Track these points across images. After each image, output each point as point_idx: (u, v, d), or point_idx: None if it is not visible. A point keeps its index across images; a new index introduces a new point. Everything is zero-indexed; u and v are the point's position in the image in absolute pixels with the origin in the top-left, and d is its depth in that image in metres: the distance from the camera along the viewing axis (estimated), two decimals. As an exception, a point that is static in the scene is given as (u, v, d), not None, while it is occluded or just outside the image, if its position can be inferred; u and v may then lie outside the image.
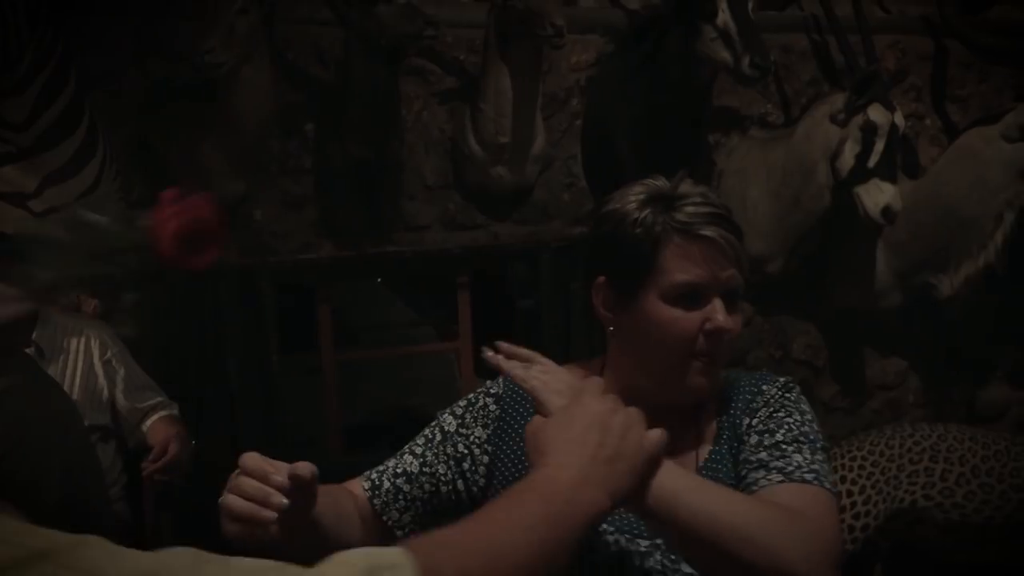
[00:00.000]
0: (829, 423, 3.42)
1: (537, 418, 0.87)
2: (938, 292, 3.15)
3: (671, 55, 2.73)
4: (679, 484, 0.89)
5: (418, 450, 1.17)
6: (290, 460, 0.91)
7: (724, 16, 2.56)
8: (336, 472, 1.14)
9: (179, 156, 2.60)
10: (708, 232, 1.02)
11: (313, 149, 2.77)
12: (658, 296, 1.04)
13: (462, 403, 1.20)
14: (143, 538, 2.23)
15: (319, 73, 2.73)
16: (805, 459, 1.00)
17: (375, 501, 1.12)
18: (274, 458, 0.93)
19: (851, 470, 2.88)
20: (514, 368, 0.97)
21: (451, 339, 3.20)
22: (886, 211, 2.76)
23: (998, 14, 3.53)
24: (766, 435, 1.05)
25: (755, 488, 0.98)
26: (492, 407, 1.18)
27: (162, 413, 2.35)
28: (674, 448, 1.07)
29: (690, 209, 1.04)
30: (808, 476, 0.98)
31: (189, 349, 2.75)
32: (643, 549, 1.05)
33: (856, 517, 2.83)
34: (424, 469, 1.14)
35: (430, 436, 1.18)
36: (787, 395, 1.10)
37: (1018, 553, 3.09)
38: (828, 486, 0.99)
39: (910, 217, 2.99)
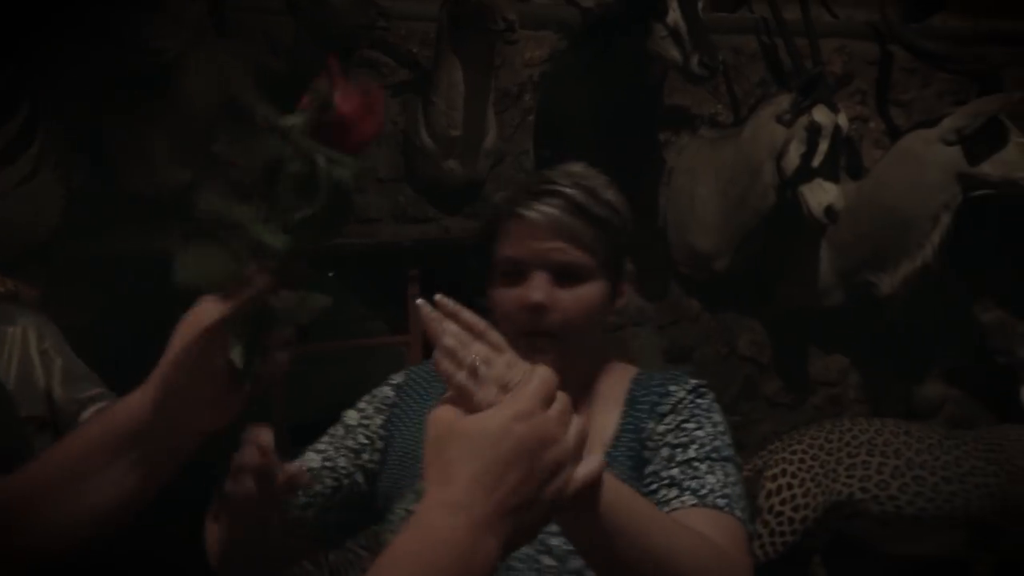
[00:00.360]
0: (772, 418, 3.50)
1: (449, 410, 0.66)
2: (878, 291, 3.24)
3: (622, 52, 2.76)
4: (611, 495, 0.78)
5: (320, 447, 1.17)
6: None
7: (674, 15, 2.60)
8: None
9: (123, 145, 2.55)
10: (526, 210, 1.03)
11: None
12: (495, 278, 1.07)
13: (366, 397, 1.21)
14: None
15: (270, 62, 2.69)
16: (718, 480, 0.99)
17: None
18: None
19: (791, 463, 2.95)
20: (445, 336, 0.70)
21: (401, 333, 3.18)
22: (829, 210, 2.83)
23: (940, 21, 3.64)
24: (678, 450, 1.02)
25: (666, 508, 0.96)
26: (390, 394, 1.19)
27: (101, 404, 2.30)
28: None
29: (529, 191, 1.06)
30: (721, 502, 0.96)
31: (131, 341, 2.69)
32: None
33: (796, 509, 2.91)
34: (325, 464, 1.13)
35: (333, 432, 1.19)
36: (698, 401, 1.07)
37: (950, 545, 3.20)
38: (739, 514, 0.97)
39: (852, 217, 3.07)
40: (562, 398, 0.66)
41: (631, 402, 1.09)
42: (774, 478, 2.94)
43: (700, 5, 2.65)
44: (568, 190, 1.04)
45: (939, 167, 3.01)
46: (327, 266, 4.20)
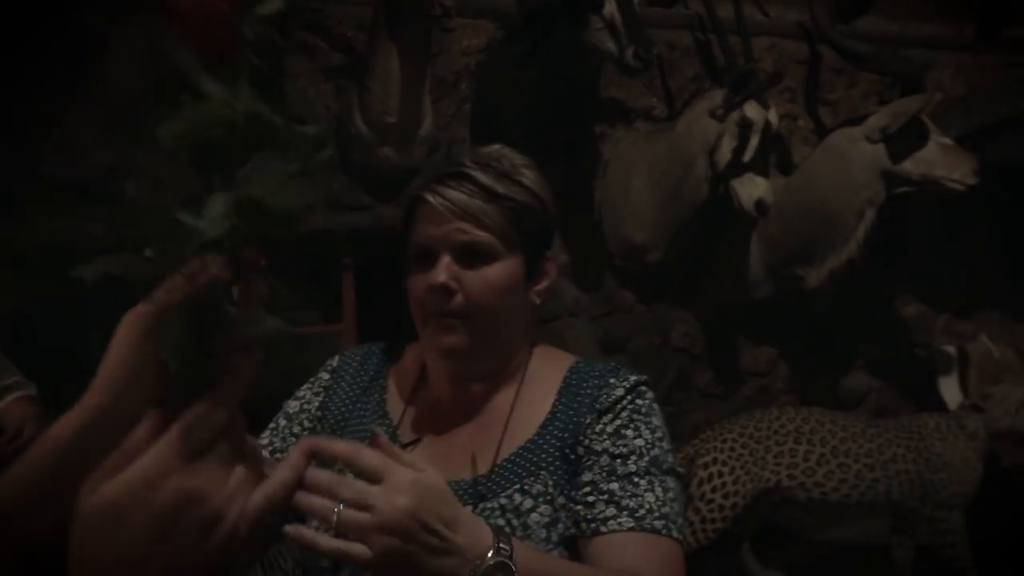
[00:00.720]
0: (704, 409, 3.56)
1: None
2: (806, 284, 3.32)
3: (559, 43, 2.77)
4: (533, 566, 0.83)
5: (264, 440, 1.16)
6: None
7: (611, 7, 2.62)
8: None
9: (44, 125, 2.45)
10: (430, 195, 1.05)
11: (190, 121, 2.66)
12: (410, 264, 1.09)
13: (306, 384, 1.22)
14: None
15: (198, 42, 2.62)
16: (657, 498, 1.00)
17: None
18: None
19: (722, 452, 3.01)
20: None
21: (334, 322, 3.14)
22: (759, 204, 2.89)
23: (866, 24, 3.76)
24: (618, 461, 1.02)
25: (603, 529, 0.98)
26: (326, 377, 1.20)
27: (17, 394, 2.23)
28: (477, 433, 1.10)
29: (437, 176, 1.07)
30: (658, 524, 0.98)
31: (50, 329, 2.60)
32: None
33: (726, 497, 2.96)
34: (275, 456, 1.12)
35: (274, 424, 1.19)
36: (637, 402, 1.07)
37: (873, 530, 3.30)
38: (676, 534, 0.99)
39: (782, 212, 3.14)
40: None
41: (566, 389, 1.10)
42: (705, 466, 2.99)
43: (636, -1, 2.68)
44: (475, 172, 1.05)
45: (864, 164, 3.10)
46: (263, 255, 4.12)
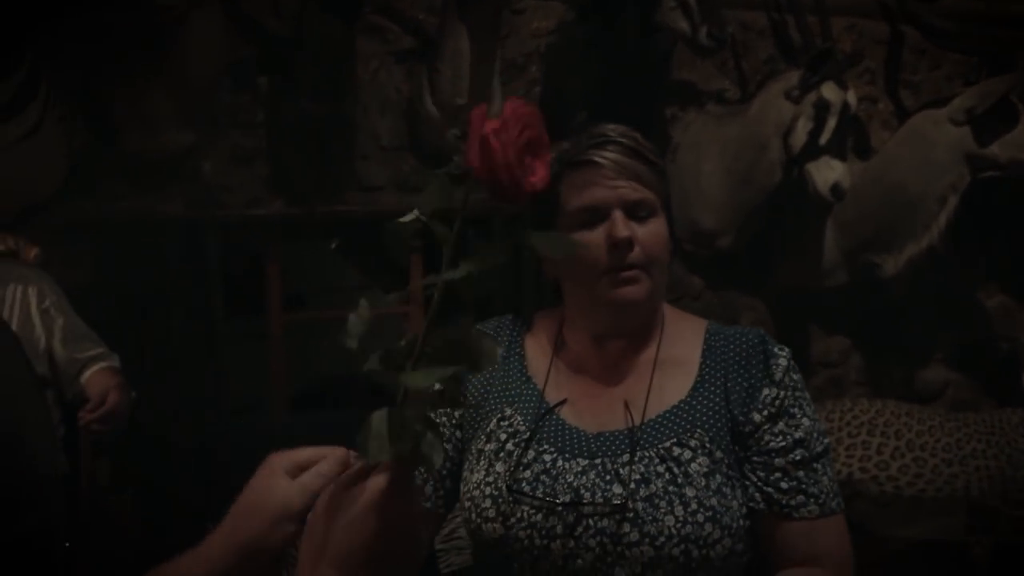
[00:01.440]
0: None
1: None
2: (882, 272, 3.21)
3: (630, 23, 2.73)
4: None
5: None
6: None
7: (684, -14, 2.57)
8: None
9: (125, 103, 2.54)
10: (591, 156, 1.11)
11: (265, 103, 2.72)
12: (566, 229, 1.13)
13: None
14: (79, 488, 2.19)
15: (274, 25, 2.67)
16: (830, 479, 1.11)
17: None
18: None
19: (791, 442, 2.94)
20: None
21: (402, 302, 3.17)
22: (835, 188, 2.80)
23: (951, 1, 3.61)
24: (798, 448, 1.09)
25: (796, 515, 1.08)
26: None
27: (101, 364, 2.30)
28: (623, 389, 1.16)
29: (581, 143, 1.14)
30: (835, 505, 1.10)
31: (133, 302, 2.70)
32: (579, 468, 1.10)
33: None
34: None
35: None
36: (794, 376, 1.14)
37: (948, 528, 3.19)
38: (842, 506, 1.12)
39: (859, 197, 3.04)
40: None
41: (710, 352, 1.16)
42: (773, 456, 2.93)
43: (710, -24, 2.62)
44: (620, 138, 1.13)
45: (947, 147, 2.98)
46: (332, 235, 4.21)
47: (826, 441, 1.13)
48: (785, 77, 2.95)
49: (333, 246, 4.68)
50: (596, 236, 1.11)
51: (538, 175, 0.71)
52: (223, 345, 2.81)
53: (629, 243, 1.10)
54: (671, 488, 1.05)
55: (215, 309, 2.77)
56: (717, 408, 1.12)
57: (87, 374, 2.27)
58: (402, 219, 0.72)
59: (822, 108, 2.79)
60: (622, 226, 1.10)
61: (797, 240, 3.28)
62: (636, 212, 1.12)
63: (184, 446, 2.67)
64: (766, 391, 1.12)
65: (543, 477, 1.09)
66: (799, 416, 1.11)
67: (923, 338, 3.71)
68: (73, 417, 2.20)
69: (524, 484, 1.09)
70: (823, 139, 2.80)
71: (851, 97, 2.84)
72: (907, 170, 3.02)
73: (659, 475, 1.07)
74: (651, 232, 1.12)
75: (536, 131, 0.70)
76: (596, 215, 1.12)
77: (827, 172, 2.82)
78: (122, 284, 2.64)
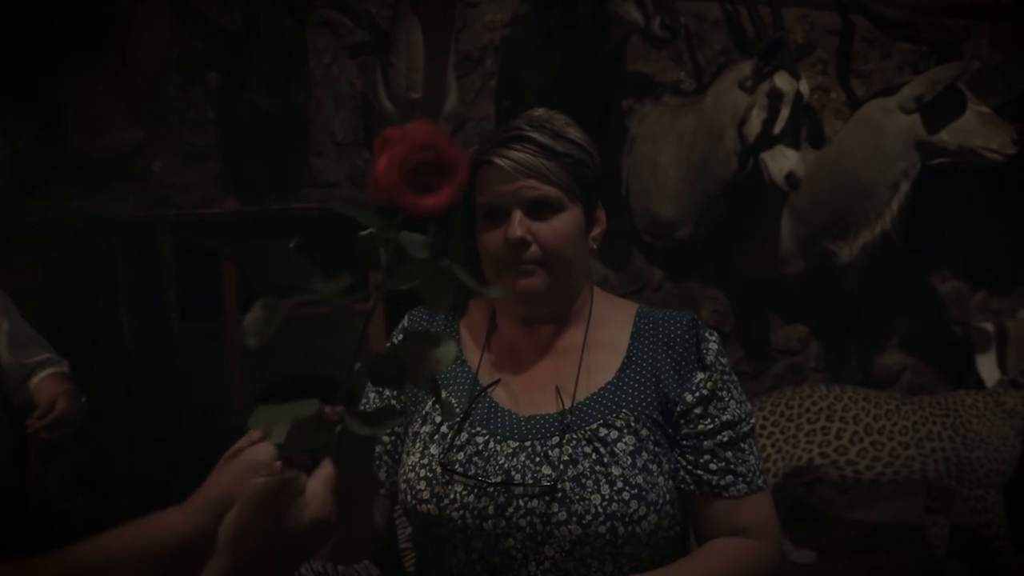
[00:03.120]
0: (734, 387, 3.52)
1: None
2: (838, 259, 3.26)
3: (584, 16, 2.73)
4: None
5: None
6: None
7: (636, -24, 2.57)
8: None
9: (70, 102, 2.47)
10: (492, 156, 1.14)
11: (216, 99, 2.67)
12: (479, 223, 1.19)
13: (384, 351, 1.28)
14: (27, 495, 2.13)
15: (223, 20, 2.62)
16: (756, 457, 1.17)
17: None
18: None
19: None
20: None
21: (361, 299, 3.14)
22: (790, 177, 2.83)
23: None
24: (727, 428, 1.15)
25: (724, 495, 1.14)
26: (400, 339, 1.28)
27: (50, 370, 2.24)
28: (553, 371, 1.19)
29: (496, 140, 1.16)
30: (760, 481, 1.16)
31: (83, 305, 2.63)
32: (510, 450, 1.13)
33: (756, 475, 2.92)
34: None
35: (366, 399, 1.27)
36: (722, 360, 1.18)
37: (906, 510, 3.25)
38: (768, 483, 1.19)
39: (813, 185, 3.07)
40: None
41: (639, 334, 1.20)
42: (735, 444, 2.95)
43: (662, -33, 2.62)
44: (532, 134, 1.14)
45: (898, 135, 3.02)
46: (287, 233, 4.15)
47: (752, 421, 1.18)
48: (739, 67, 2.97)
49: (292, 244, 4.61)
50: (497, 234, 1.15)
51: (433, 200, 0.72)
52: (179, 347, 2.76)
53: (523, 242, 1.14)
54: (597, 468, 1.09)
55: (169, 311, 2.71)
56: (644, 387, 1.16)
57: (35, 380, 2.21)
58: (360, 234, 0.77)
59: (775, 98, 2.81)
60: (516, 226, 1.13)
61: (754, 229, 3.31)
62: (537, 210, 1.14)
63: (139, 452, 2.61)
64: (699, 375, 1.15)
65: (475, 459, 1.13)
66: (727, 399, 1.16)
67: (879, 324, 3.77)
68: (21, 424, 2.14)
69: (457, 465, 1.13)
70: (777, 128, 2.83)
71: (804, 86, 2.87)
72: (859, 158, 3.06)
73: (586, 455, 1.10)
74: (552, 228, 1.14)
75: (433, 153, 0.71)
76: (497, 213, 1.15)
77: (781, 161, 2.85)
78: (71, 287, 2.58)
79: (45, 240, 2.57)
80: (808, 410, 2.96)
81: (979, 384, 3.43)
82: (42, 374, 2.23)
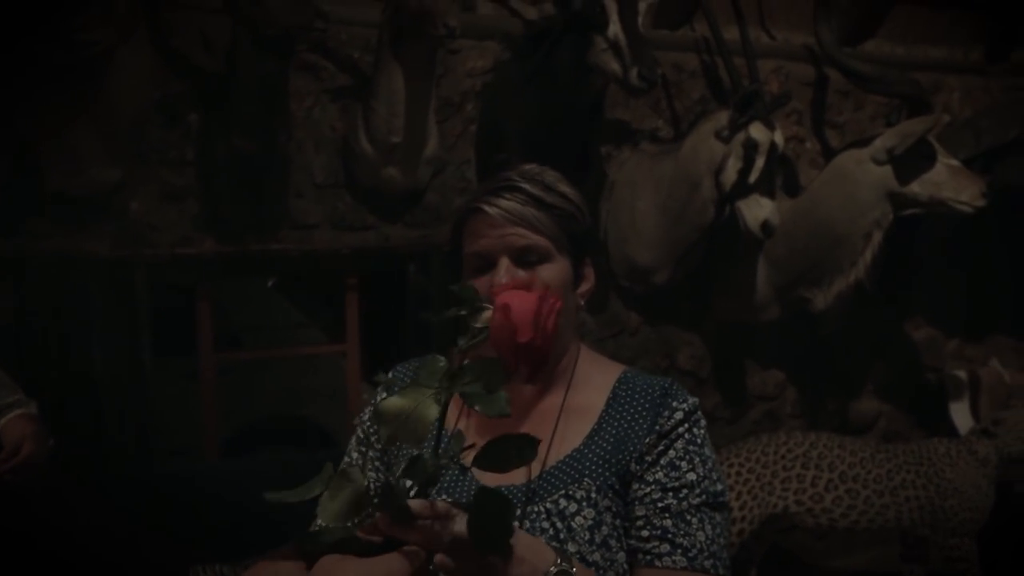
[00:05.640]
0: (711, 433, 3.51)
1: None
2: (813, 306, 3.29)
3: (563, 64, 2.78)
4: None
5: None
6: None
7: (615, 28, 2.62)
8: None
9: (48, 140, 2.46)
10: (481, 204, 1.13)
11: (196, 140, 2.67)
12: (465, 273, 1.16)
13: (352, 441, 1.25)
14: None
15: (205, 61, 2.64)
16: (707, 536, 1.06)
17: None
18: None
19: (729, 476, 2.96)
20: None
21: (339, 341, 3.12)
22: (765, 225, 2.87)
23: (873, 47, 3.76)
24: (670, 494, 1.07)
25: (658, 564, 1.05)
26: (382, 393, 1.21)
27: (18, 411, 2.19)
28: (538, 431, 1.10)
29: (488, 189, 1.15)
30: (708, 564, 1.05)
31: (56, 344, 2.59)
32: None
33: (732, 522, 2.92)
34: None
35: (348, 458, 1.23)
36: (694, 431, 1.11)
37: (883, 558, 3.24)
38: (722, 571, 1.07)
39: (788, 233, 3.12)
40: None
41: (615, 400, 1.15)
42: (711, 491, 2.94)
43: (640, 19, 2.68)
44: (522, 184, 1.13)
45: (870, 186, 3.08)
46: (265, 274, 4.13)
47: (721, 500, 1.10)
48: (715, 117, 3.02)
49: (270, 284, 4.61)
50: (484, 283, 1.11)
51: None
52: (153, 387, 2.72)
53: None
54: (554, 544, 1.04)
55: (143, 350, 2.68)
56: (607, 455, 1.11)
57: (2, 421, 2.17)
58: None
59: (751, 147, 2.86)
60: (503, 273, 1.10)
61: (731, 276, 3.34)
62: (525, 258, 1.12)
63: (111, 493, 2.56)
64: (648, 439, 1.10)
65: None
66: (684, 469, 1.09)
67: (855, 371, 3.80)
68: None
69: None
70: (752, 177, 2.87)
71: (778, 137, 2.93)
72: (833, 208, 3.11)
73: (544, 531, 1.07)
74: (539, 278, 1.11)
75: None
76: (485, 261, 1.13)
77: (757, 209, 2.89)
78: (44, 326, 2.54)
79: (18, 279, 2.54)
80: (784, 457, 2.97)
81: (953, 431, 3.45)
82: (9, 415, 2.18)
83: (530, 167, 1.17)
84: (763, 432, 3.29)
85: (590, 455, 1.11)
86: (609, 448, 1.11)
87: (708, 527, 1.07)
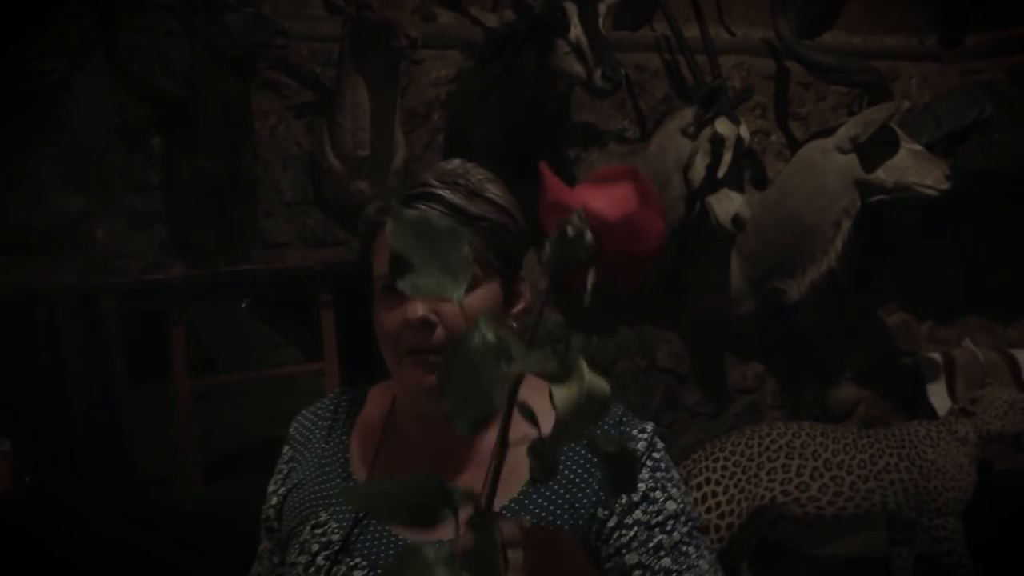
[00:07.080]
0: (694, 429, 3.53)
1: None
2: (787, 297, 3.32)
3: (527, 69, 2.78)
4: None
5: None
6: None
7: (576, 31, 2.63)
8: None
9: (7, 171, 2.42)
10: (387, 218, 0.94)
11: (160, 164, 2.64)
12: (376, 300, 0.98)
13: (275, 473, 1.14)
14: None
15: (165, 84, 2.61)
16: (708, 563, 0.97)
17: None
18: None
19: (714, 471, 2.97)
20: None
21: (316, 360, 3.09)
22: (736, 219, 2.89)
23: (830, 38, 3.81)
24: (657, 531, 0.96)
25: None
26: (286, 451, 1.13)
27: (-10, 449, 2.16)
28: (460, 483, 0.95)
29: (400, 198, 0.96)
30: None
31: (26, 379, 2.54)
32: None
33: (721, 516, 2.92)
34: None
35: (263, 545, 1.15)
36: (655, 456, 1.00)
37: (870, 543, 3.26)
38: None
39: (759, 226, 3.14)
40: None
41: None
42: (699, 487, 2.95)
43: (600, 21, 2.69)
44: (443, 192, 0.94)
45: (837, 175, 3.11)
46: (238, 296, 4.08)
47: (699, 523, 1.00)
48: (680, 115, 3.04)
49: (244, 306, 4.55)
50: (396, 315, 0.94)
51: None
52: (128, 416, 2.68)
53: (426, 323, 0.92)
54: None
55: (117, 380, 2.64)
56: (554, 498, 0.97)
57: (-27, 460, 2.13)
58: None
59: (717, 143, 2.88)
60: (417, 304, 0.91)
61: (705, 272, 3.35)
62: None
63: (88, 526, 2.51)
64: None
65: None
66: (661, 500, 0.97)
67: (832, 359, 3.83)
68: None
69: None
70: (720, 172, 2.89)
71: (744, 131, 2.95)
72: (802, 198, 3.14)
73: None
74: (466, 307, 0.96)
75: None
76: (395, 291, 0.93)
77: (727, 204, 2.91)
78: (13, 360, 2.49)
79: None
80: (768, 448, 2.98)
81: (932, 413, 3.49)
82: (-19, 453, 2.15)
83: (453, 166, 0.99)
84: (745, 425, 3.30)
85: (537, 498, 0.97)
86: (558, 488, 0.97)
87: (705, 552, 0.98)
